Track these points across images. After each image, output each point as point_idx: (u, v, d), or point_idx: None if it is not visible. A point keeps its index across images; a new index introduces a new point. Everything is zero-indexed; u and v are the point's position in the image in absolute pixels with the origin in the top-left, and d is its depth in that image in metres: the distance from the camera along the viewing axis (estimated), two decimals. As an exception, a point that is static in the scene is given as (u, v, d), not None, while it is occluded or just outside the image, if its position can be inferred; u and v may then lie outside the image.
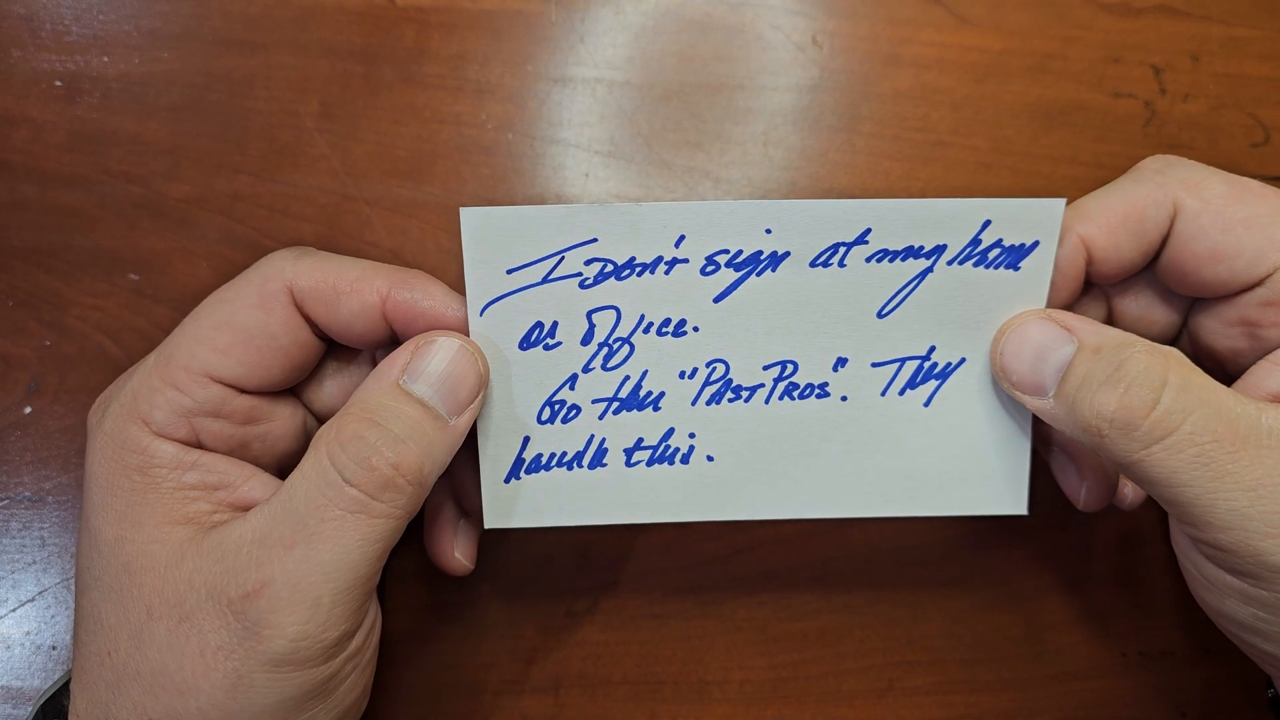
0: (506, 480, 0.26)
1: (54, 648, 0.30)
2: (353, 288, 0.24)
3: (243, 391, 0.24)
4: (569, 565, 0.31)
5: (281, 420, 0.25)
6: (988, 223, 0.25)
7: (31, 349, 0.31)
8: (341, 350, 0.27)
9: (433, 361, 0.23)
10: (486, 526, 0.26)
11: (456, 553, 0.27)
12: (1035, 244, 0.25)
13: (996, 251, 0.25)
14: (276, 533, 0.21)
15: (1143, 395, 0.21)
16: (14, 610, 0.31)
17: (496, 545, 0.31)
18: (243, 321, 0.23)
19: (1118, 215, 0.24)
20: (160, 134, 0.32)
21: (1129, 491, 0.28)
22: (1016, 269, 0.25)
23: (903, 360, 0.26)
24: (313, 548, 0.21)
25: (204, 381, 0.23)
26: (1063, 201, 0.25)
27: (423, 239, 0.32)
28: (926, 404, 0.26)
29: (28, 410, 0.31)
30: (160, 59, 0.32)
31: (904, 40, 0.33)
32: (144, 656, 0.21)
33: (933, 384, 0.26)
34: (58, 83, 0.32)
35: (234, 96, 0.32)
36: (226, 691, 0.21)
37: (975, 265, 0.25)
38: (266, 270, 0.24)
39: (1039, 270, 0.25)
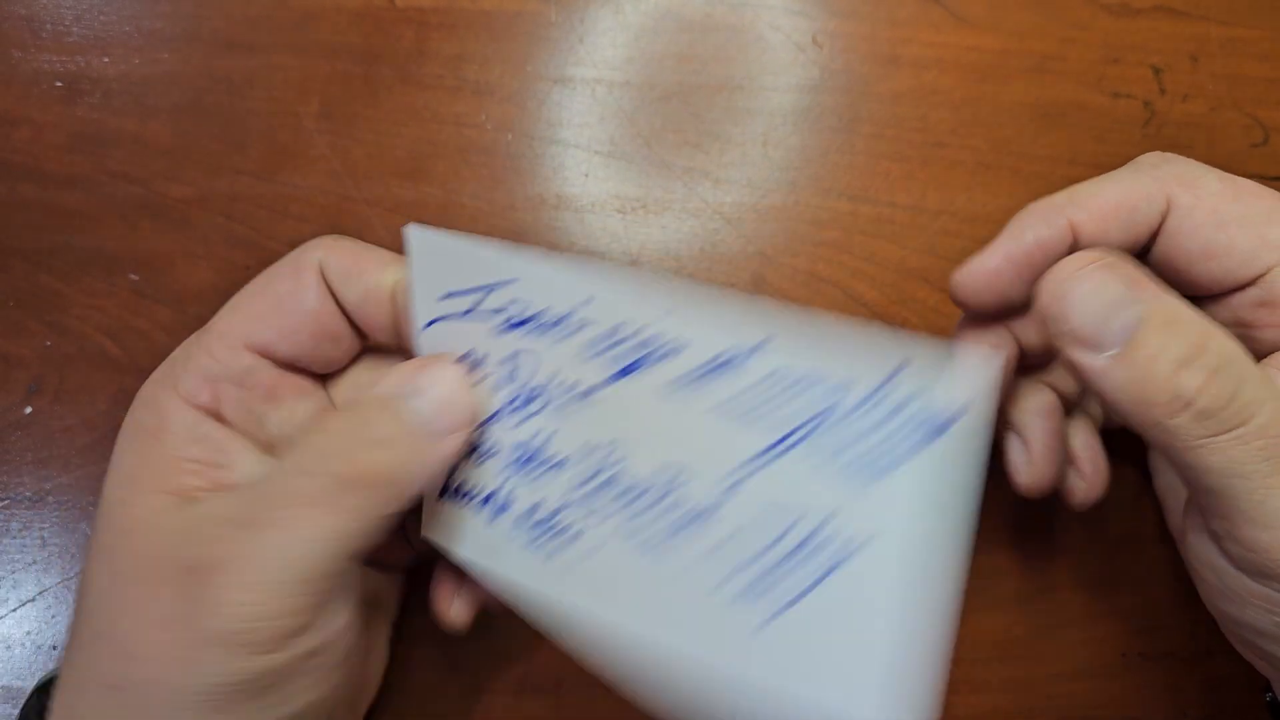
0: (441, 495, 0.25)
1: (54, 648, 0.31)
2: (370, 268, 0.24)
3: (275, 363, 0.25)
4: (569, 565, 0.31)
5: (306, 407, 0.25)
6: (902, 367, 0.20)
7: (32, 349, 0.31)
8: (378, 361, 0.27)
9: (434, 381, 0.23)
10: (422, 534, 0.25)
11: (452, 610, 0.26)
12: (955, 418, 0.20)
13: (906, 414, 0.20)
14: (242, 513, 0.21)
15: (1227, 383, 0.20)
16: (14, 610, 0.31)
17: (496, 545, 0.31)
18: (276, 288, 0.24)
19: (1110, 205, 0.24)
20: (161, 135, 0.32)
21: (1080, 488, 0.27)
22: (932, 443, 0.20)
23: (794, 521, 0.21)
24: (271, 531, 0.21)
25: (237, 348, 0.24)
26: (999, 359, 0.21)
27: (423, 239, 0.32)
28: (818, 581, 0.21)
29: (28, 410, 0.31)
30: (161, 60, 0.32)
31: (904, 41, 0.33)
32: (112, 620, 0.22)
33: (829, 557, 0.21)
34: (58, 83, 0.32)
35: (234, 97, 0.32)
36: (174, 664, 0.21)
37: (883, 421, 0.20)
38: (304, 248, 0.25)
39: (964, 451, 0.20)
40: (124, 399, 0.31)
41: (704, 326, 0.22)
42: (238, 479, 0.24)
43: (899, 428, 0.20)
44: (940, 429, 0.20)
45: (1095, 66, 0.33)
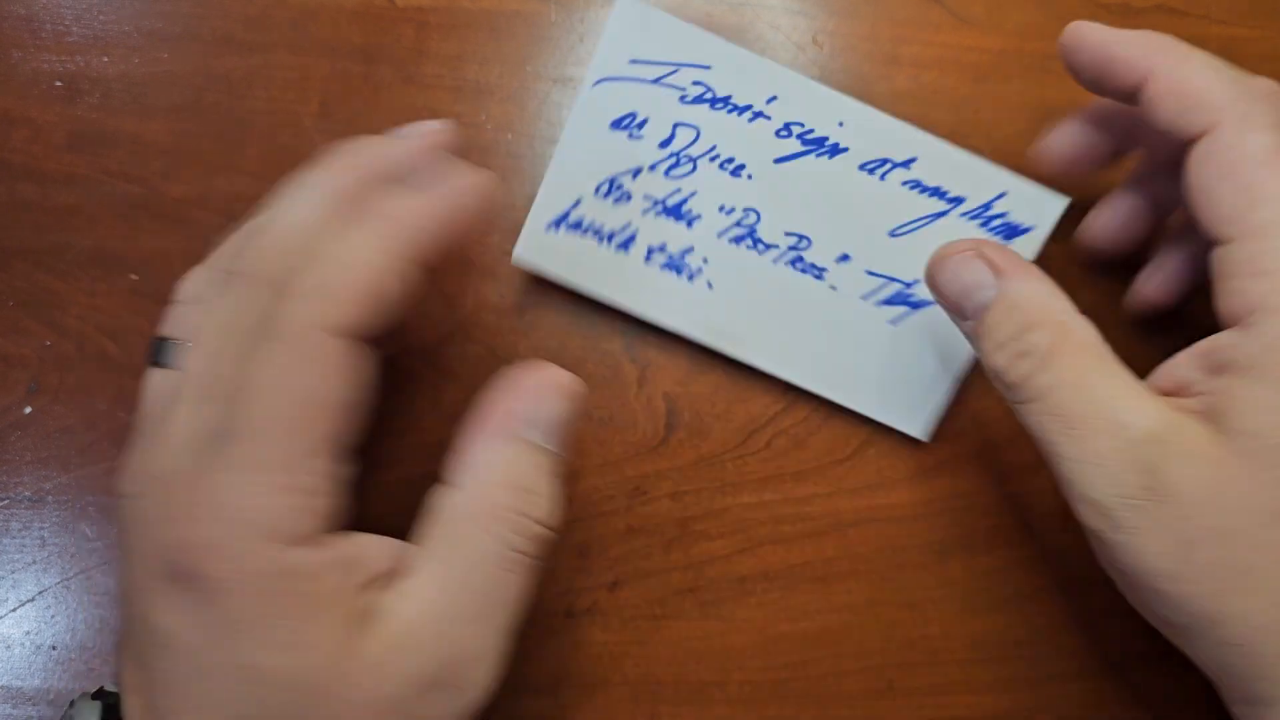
0: (547, 228, 0.30)
1: (54, 648, 0.31)
2: (365, 270, 0.22)
3: (337, 456, 0.22)
4: (569, 565, 0.31)
5: (344, 474, 0.23)
6: (1004, 193, 0.29)
7: (31, 349, 0.31)
8: None
9: (546, 408, 0.24)
10: (514, 262, 0.30)
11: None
12: (1030, 228, 0.29)
13: (1000, 221, 0.29)
14: (462, 610, 0.22)
15: (1021, 367, 0.24)
16: (14, 610, 0.31)
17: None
18: (300, 385, 0.21)
19: (1177, 79, 0.25)
20: (160, 134, 0.32)
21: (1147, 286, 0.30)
22: (1008, 241, 0.29)
23: (890, 280, 0.30)
24: (498, 615, 0.23)
25: (306, 462, 0.21)
26: (1066, 200, 0.29)
27: (422, 239, 0.32)
28: (893, 322, 0.30)
29: (28, 410, 0.31)
30: (160, 59, 0.32)
31: (904, 40, 0.33)
32: None
33: (904, 309, 0.30)
34: (58, 83, 0.32)
35: (234, 97, 0.32)
36: None
37: (981, 225, 0.29)
38: (284, 328, 0.21)
39: (1027, 252, 0.29)
40: (124, 399, 0.31)
41: (866, 138, 0.29)
42: (386, 568, 0.23)
43: (988, 230, 0.29)
44: (1014, 235, 0.29)
45: (1095, 66, 0.33)
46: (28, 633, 0.31)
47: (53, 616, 0.31)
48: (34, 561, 0.31)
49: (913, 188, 0.29)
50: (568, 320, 0.32)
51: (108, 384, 0.31)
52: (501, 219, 0.32)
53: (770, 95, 0.29)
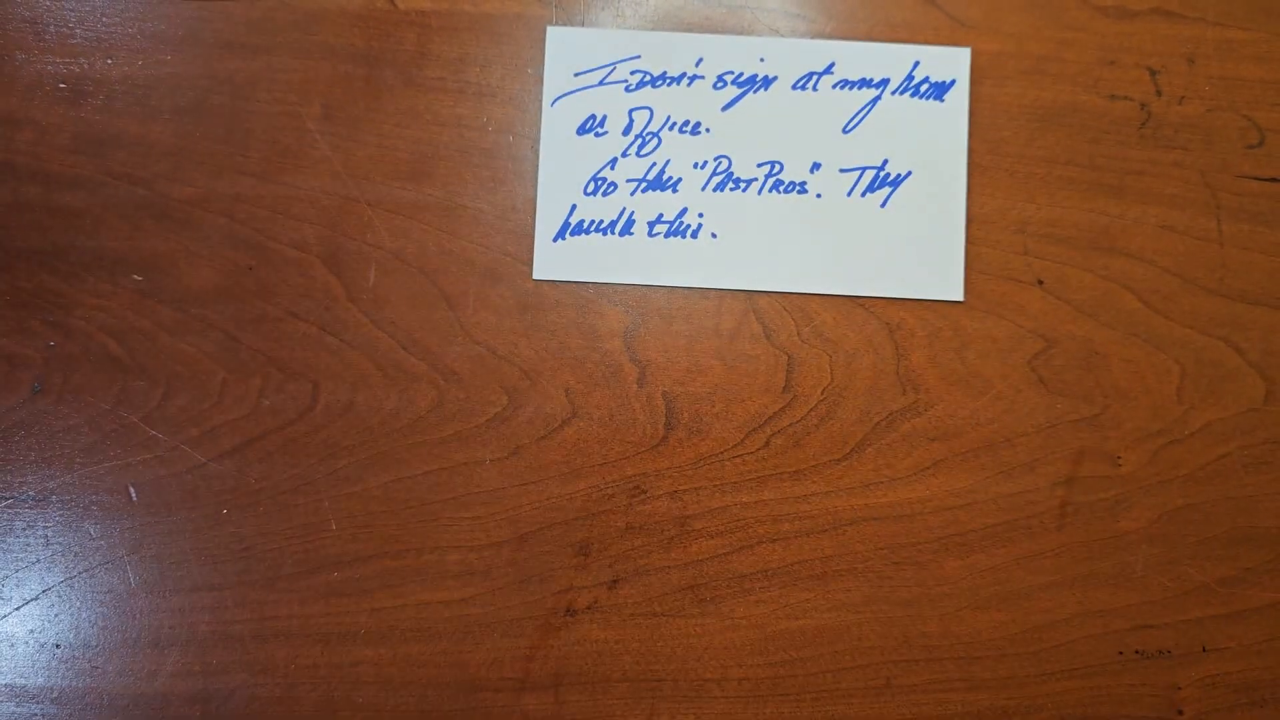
0: (555, 239, 0.32)
1: (58, 646, 0.31)
2: None
3: None
4: (569, 565, 0.32)
5: None
6: (918, 62, 0.33)
7: (36, 349, 0.32)
8: None
9: None
10: (536, 278, 0.32)
11: None
12: (954, 81, 0.33)
13: (926, 86, 0.33)
14: None
15: None
16: (18, 609, 0.31)
17: (498, 545, 0.31)
18: None
19: None
20: (163, 136, 0.32)
21: None
22: (942, 100, 0.33)
23: (863, 169, 0.33)
24: None
25: None
26: (968, 50, 0.33)
27: (424, 240, 0.32)
28: (882, 205, 0.33)
29: (32, 410, 0.31)
30: (163, 62, 0.33)
31: (901, 42, 0.33)
32: None
33: (886, 189, 0.33)
34: (62, 85, 0.32)
35: (237, 99, 0.32)
36: None
37: (912, 96, 0.33)
38: None
39: (959, 102, 0.33)
40: (127, 399, 0.31)
41: (787, 62, 0.33)
42: None
43: (920, 97, 0.33)
44: (943, 93, 0.33)
45: (1092, 69, 0.33)
46: (31, 631, 0.31)
47: (56, 615, 0.31)
48: (38, 560, 0.31)
49: (843, 87, 0.33)
50: (568, 320, 0.32)
51: (111, 384, 0.32)
52: (502, 220, 0.33)
53: (697, 58, 0.33)
